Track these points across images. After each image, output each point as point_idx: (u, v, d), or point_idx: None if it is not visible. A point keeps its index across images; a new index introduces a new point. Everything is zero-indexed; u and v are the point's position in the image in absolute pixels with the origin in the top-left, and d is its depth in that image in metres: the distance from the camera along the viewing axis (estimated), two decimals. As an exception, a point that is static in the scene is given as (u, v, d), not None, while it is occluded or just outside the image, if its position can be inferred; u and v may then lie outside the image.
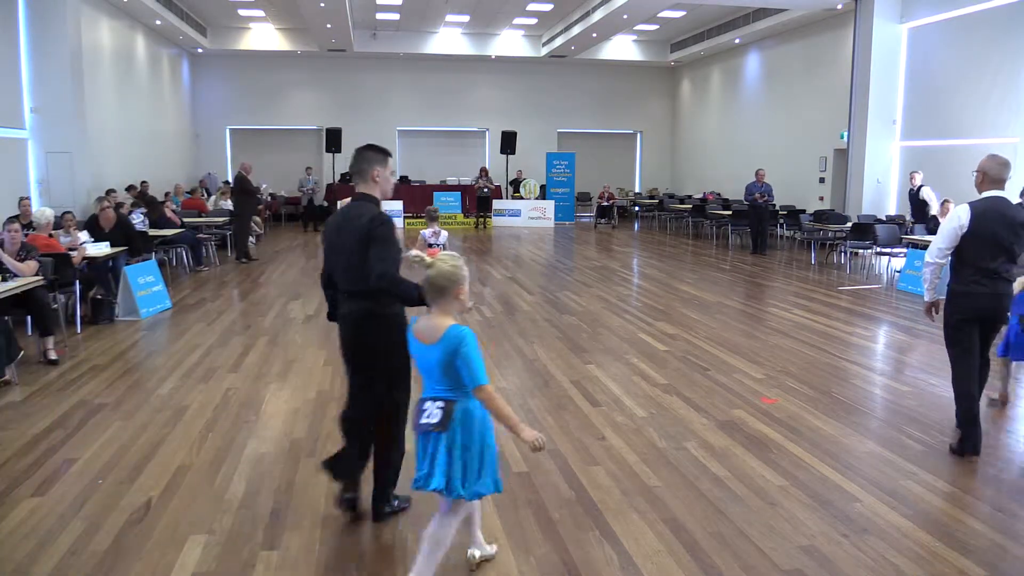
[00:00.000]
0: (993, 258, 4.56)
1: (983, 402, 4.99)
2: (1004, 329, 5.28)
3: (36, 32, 12.41)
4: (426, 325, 3.01)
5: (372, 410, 3.67)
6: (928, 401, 5.61)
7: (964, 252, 4.62)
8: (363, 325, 3.54)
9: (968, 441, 4.65)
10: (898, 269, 11.85)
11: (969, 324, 4.67)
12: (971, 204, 4.60)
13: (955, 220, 4.60)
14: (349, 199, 3.76)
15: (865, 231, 12.27)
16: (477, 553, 3.37)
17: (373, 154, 3.62)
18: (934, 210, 12.14)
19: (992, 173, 4.61)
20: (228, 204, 15.05)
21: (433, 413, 2.97)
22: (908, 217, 13.09)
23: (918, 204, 12.51)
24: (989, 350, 4.99)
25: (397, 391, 3.65)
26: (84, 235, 9.09)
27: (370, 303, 3.49)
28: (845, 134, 15.53)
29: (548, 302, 9.69)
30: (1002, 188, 4.63)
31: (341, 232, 3.55)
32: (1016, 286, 5.06)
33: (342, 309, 3.65)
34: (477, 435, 2.99)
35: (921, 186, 12.39)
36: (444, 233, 7.84)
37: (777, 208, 16.21)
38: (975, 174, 4.71)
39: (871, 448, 4.74)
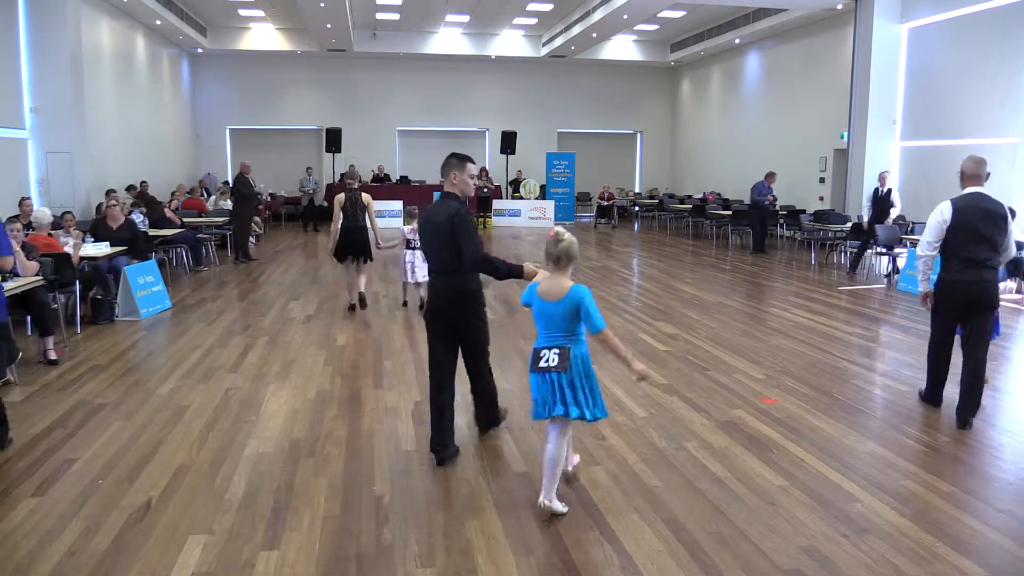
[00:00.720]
0: (976, 248, 4.95)
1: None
2: None
3: (36, 32, 12.42)
4: (549, 286, 3.68)
5: (453, 374, 4.51)
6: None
7: (949, 244, 5.04)
8: (449, 299, 4.40)
9: (933, 397, 5.44)
10: (879, 269, 12.00)
11: (953, 312, 5.13)
12: (952, 200, 5.06)
13: (939, 215, 5.05)
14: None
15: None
16: (550, 503, 3.76)
17: (453, 160, 4.38)
18: (897, 211, 12.13)
19: (969, 171, 5.07)
20: (228, 204, 15.05)
21: (551, 358, 3.65)
22: (864, 218, 12.53)
23: (885, 205, 12.17)
24: (982, 345, 5.02)
25: (480, 341, 4.55)
26: (71, 243, 8.89)
27: (454, 280, 4.34)
28: (845, 134, 15.54)
29: (548, 302, 9.66)
30: (980, 184, 5.06)
31: (430, 225, 4.37)
32: None
33: (433, 285, 4.49)
34: (588, 369, 3.70)
35: (890, 188, 12.28)
36: None
37: (777, 208, 16.21)
38: (958, 174, 5.16)
39: (871, 448, 4.74)
